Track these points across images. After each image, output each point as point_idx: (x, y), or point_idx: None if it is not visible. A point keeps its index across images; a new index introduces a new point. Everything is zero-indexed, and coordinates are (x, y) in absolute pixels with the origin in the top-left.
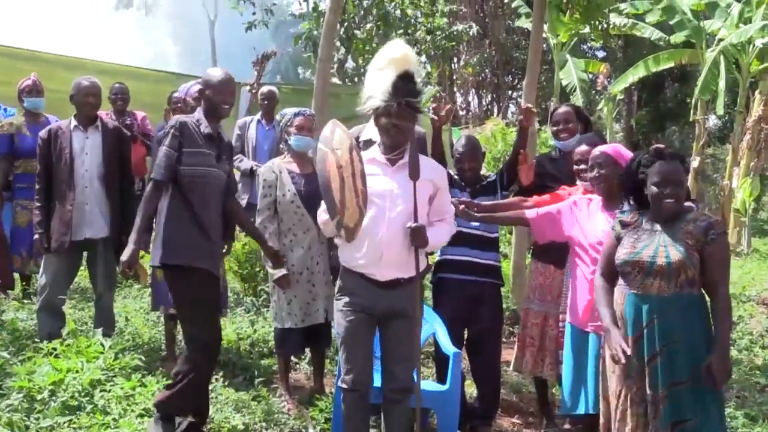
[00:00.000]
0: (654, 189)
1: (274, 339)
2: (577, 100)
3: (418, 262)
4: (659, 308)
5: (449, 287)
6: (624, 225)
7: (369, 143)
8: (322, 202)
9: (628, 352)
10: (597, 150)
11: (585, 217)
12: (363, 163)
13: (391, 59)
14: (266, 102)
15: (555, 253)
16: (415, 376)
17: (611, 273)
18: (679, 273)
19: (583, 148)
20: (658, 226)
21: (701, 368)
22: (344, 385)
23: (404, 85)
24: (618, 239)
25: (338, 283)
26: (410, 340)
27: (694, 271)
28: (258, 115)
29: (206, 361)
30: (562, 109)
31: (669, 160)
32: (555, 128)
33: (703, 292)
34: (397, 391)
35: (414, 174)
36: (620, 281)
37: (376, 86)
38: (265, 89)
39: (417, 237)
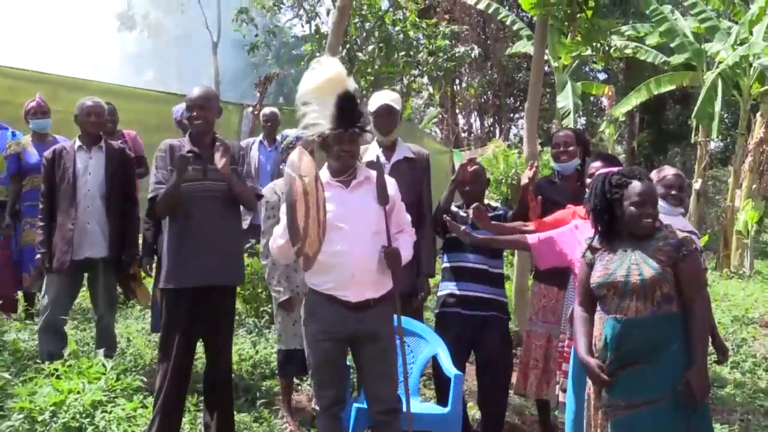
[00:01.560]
0: (632, 209)
1: (277, 360)
2: (569, 122)
3: (404, 280)
4: (638, 329)
5: (452, 320)
6: (594, 250)
7: (373, 164)
8: (277, 227)
9: (607, 379)
10: (598, 172)
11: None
12: (325, 194)
13: (327, 79)
14: (268, 123)
15: (557, 274)
16: (404, 400)
17: (590, 302)
18: (654, 289)
19: (597, 163)
20: (628, 248)
21: (680, 385)
22: (317, 408)
23: (350, 109)
24: (590, 266)
25: (304, 308)
26: (386, 361)
27: (669, 287)
28: (260, 137)
29: (173, 385)
30: (563, 132)
31: (645, 179)
32: (555, 151)
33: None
34: (382, 413)
35: (383, 199)
36: (598, 307)
37: (319, 111)
38: (267, 111)
39: (392, 260)
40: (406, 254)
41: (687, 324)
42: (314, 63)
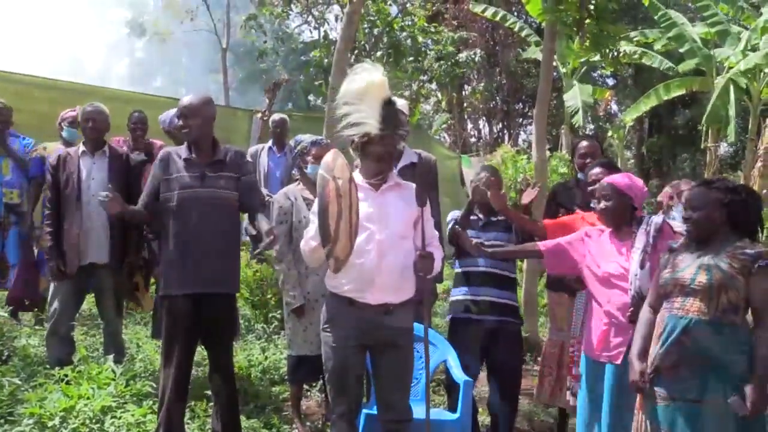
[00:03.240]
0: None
1: (287, 366)
2: (577, 120)
3: (429, 286)
4: (697, 330)
5: (464, 325)
6: (672, 251)
7: (407, 169)
8: (308, 230)
9: (645, 387)
10: (604, 181)
11: (597, 248)
12: (358, 198)
13: (371, 83)
14: (278, 129)
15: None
16: (422, 411)
17: (659, 303)
18: (720, 293)
19: (597, 170)
20: (703, 250)
21: (734, 395)
22: (334, 416)
23: (394, 113)
24: (666, 267)
25: (324, 314)
26: (402, 369)
27: (737, 296)
28: (269, 143)
29: (176, 392)
30: (587, 142)
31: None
32: (581, 161)
33: (749, 324)
34: (393, 422)
35: (421, 200)
36: (663, 305)
37: (363, 113)
38: (276, 117)
39: (426, 265)
40: (436, 267)
41: (754, 339)
42: (358, 67)
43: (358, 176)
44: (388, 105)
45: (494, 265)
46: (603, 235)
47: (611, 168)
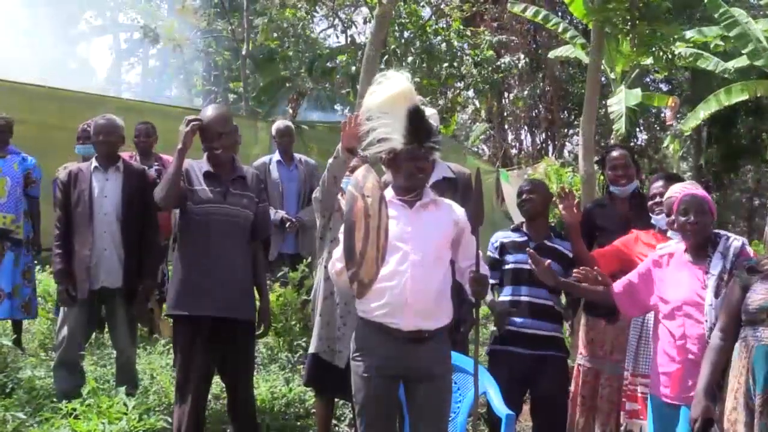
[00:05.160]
0: None
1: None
2: (620, 127)
3: (467, 311)
4: None
5: (505, 359)
6: (753, 271)
7: (439, 184)
8: (337, 250)
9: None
10: (692, 192)
11: (667, 275)
12: (389, 219)
13: (394, 94)
14: (285, 139)
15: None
16: None
17: (733, 329)
18: None
19: (659, 182)
20: None
21: None
22: None
23: (422, 124)
24: (745, 288)
25: (353, 342)
26: (438, 402)
27: None
28: (275, 155)
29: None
30: (618, 152)
31: None
32: (613, 174)
33: None
34: None
35: (478, 219)
36: (745, 333)
37: (390, 125)
38: (281, 125)
39: (480, 286)
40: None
41: None
42: (379, 77)
43: (390, 192)
44: (416, 115)
45: (541, 296)
46: (674, 258)
47: (675, 181)
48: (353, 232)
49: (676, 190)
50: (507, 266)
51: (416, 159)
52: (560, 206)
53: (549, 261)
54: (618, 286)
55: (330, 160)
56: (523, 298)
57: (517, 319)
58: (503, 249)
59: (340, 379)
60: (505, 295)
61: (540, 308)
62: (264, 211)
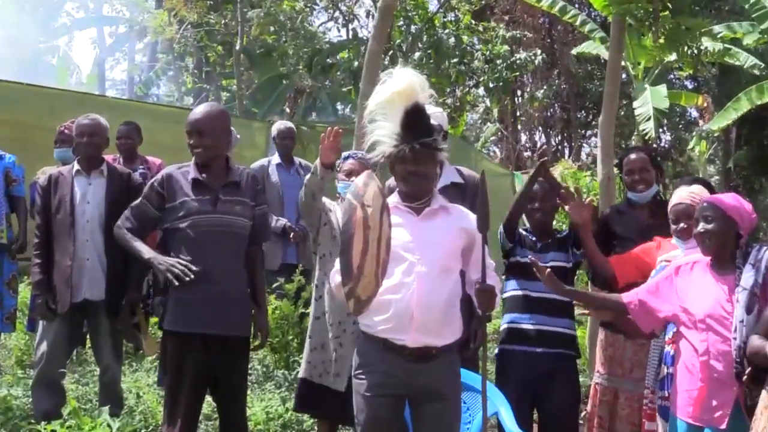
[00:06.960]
0: None
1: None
2: (648, 129)
3: (476, 326)
4: None
5: (515, 360)
6: None
7: (447, 189)
8: (337, 261)
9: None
10: (704, 199)
11: (690, 285)
12: (391, 229)
13: (394, 93)
14: (287, 141)
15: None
16: None
17: None
18: None
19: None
20: None
21: None
22: None
23: (416, 122)
24: None
25: (355, 358)
26: (446, 423)
27: None
28: (275, 158)
29: None
30: (637, 155)
31: None
32: (630, 179)
33: None
34: None
35: (483, 225)
36: None
37: (383, 129)
38: (282, 126)
39: (487, 300)
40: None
41: None
42: (385, 75)
43: (395, 198)
44: (412, 113)
45: (545, 289)
46: (697, 267)
47: (705, 188)
48: (351, 244)
49: (683, 196)
50: (514, 260)
51: (405, 161)
52: (566, 207)
53: (549, 270)
54: (630, 299)
55: (307, 176)
56: (533, 293)
57: (529, 315)
58: (520, 239)
59: (340, 403)
60: (514, 289)
61: (548, 302)
62: (262, 215)
